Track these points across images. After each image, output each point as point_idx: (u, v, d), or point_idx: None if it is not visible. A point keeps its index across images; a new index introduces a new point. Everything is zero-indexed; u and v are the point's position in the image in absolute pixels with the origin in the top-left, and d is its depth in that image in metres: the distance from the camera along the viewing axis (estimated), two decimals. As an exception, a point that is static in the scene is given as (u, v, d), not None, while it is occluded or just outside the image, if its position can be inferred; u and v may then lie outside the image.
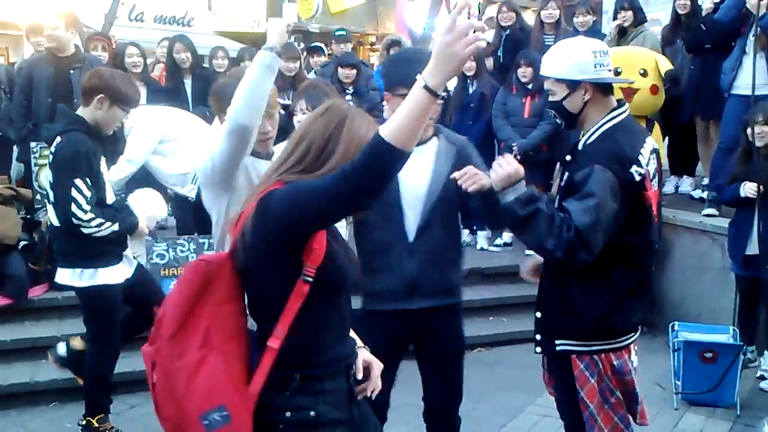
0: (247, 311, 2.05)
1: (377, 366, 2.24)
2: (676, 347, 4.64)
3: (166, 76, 6.75)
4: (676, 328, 4.82)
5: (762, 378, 4.89)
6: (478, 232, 7.10)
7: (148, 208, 4.04)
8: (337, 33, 8.07)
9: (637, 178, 2.56)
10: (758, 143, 4.66)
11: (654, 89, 6.01)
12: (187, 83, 6.54)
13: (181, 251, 5.03)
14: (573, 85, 2.66)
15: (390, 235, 2.90)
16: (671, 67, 6.13)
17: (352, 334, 2.25)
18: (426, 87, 1.77)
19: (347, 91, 6.97)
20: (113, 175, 5.12)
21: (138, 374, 3.88)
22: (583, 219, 2.47)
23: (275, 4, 16.67)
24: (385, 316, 2.92)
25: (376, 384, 2.22)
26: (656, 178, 2.70)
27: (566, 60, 2.68)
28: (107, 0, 11.31)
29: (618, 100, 2.76)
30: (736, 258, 4.99)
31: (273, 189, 1.96)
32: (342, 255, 2.04)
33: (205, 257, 2.05)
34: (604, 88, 2.70)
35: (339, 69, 7.00)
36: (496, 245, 6.94)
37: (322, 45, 8.75)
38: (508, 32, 7.27)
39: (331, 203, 1.85)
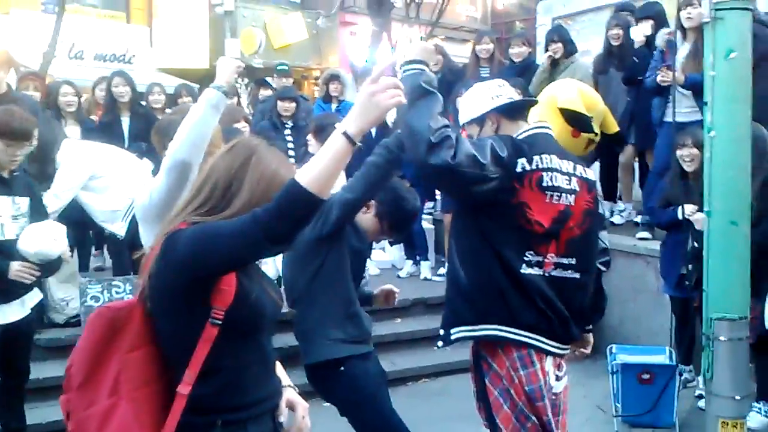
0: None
1: (302, 406, 2.19)
2: (614, 370, 4.70)
3: (102, 112, 6.67)
4: (614, 350, 4.89)
5: (700, 397, 4.97)
6: (422, 262, 7.14)
7: (38, 244, 3.76)
8: (279, 67, 8.18)
9: (519, 169, 2.60)
10: (688, 168, 4.77)
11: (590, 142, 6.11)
12: (125, 120, 6.46)
13: (117, 292, 4.91)
14: (480, 121, 2.85)
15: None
16: (616, 128, 6.25)
17: (280, 371, 2.21)
18: (345, 134, 1.78)
19: (286, 125, 7.00)
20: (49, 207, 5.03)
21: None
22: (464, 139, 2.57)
23: (218, 40, 16.67)
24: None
25: (300, 425, 2.17)
26: (562, 194, 2.68)
27: (467, 103, 2.91)
28: (45, 38, 11.20)
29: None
30: (670, 279, 5.07)
31: (177, 230, 1.89)
32: (257, 291, 1.98)
33: (110, 304, 2.00)
34: (509, 115, 2.83)
35: (278, 102, 7.03)
36: (440, 275, 6.97)
37: (269, 79, 8.78)
38: (439, 76, 7.36)
39: (239, 247, 1.80)
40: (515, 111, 2.86)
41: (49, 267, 3.88)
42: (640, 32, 6.35)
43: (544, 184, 2.64)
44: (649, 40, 6.29)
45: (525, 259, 2.63)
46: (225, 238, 1.81)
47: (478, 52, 7.11)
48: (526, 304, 2.64)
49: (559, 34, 6.93)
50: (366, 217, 3.29)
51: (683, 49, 5.72)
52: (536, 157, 2.64)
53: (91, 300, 4.88)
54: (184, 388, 1.87)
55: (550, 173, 2.65)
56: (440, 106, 2.55)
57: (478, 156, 2.51)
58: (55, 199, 5.07)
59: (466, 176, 2.50)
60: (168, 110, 6.18)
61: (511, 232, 2.63)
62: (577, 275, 2.72)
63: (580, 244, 2.73)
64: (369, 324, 3.26)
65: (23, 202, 3.84)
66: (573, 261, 2.71)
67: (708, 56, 3.21)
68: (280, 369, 2.22)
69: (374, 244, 5.40)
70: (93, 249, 7.06)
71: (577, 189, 2.73)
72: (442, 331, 2.79)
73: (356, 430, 3.15)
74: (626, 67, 6.51)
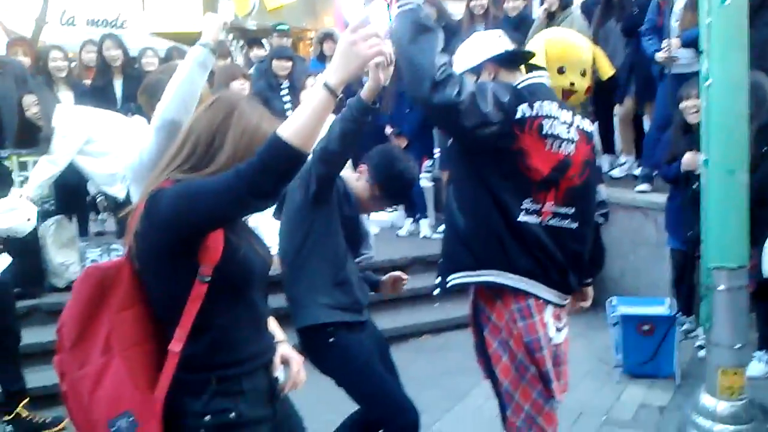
0: None
1: (297, 361, 2.20)
2: (614, 322, 4.72)
3: (94, 75, 6.60)
4: (614, 302, 4.91)
5: (701, 347, 4.99)
6: (421, 220, 7.14)
7: (10, 221, 3.86)
8: (278, 28, 8.06)
9: (519, 114, 2.56)
10: (692, 120, 4.64)
11: (588, 90, 6.01)
12: (117, 83, 6.42)
13: (116, 256, 4.91)
14: (477, 70, 2.80)
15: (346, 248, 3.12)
16: (610, 72, 6.17)
17: (274, 327, 2.21)
18: (326, 85, 1.75)
19: (282, 85, 6.93)
20: (35, 175, 5.03)
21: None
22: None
23: (211, 2, 16.45)
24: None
25: (296, 379, 2.17)
26: (561, 142, 2.65)
27: (464, 53, 2.86)
28: (36, 4, 11.07)
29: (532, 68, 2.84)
30: (677, 233, 5.02)
31: (161, 188, 1.87)
32: (245, 248, 1.97)
33: (99, 264, 1.98)
34: (506, 65, 2.80)
35: (274, 61, 6.95)
36: (439, 233, 6.95)
37: (265, 40, 8.69)
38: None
39: (223, 203, 1.78)
40: (513, 61, 2.83)
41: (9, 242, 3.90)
42: (641, -19, 6.26)
43: (544, 131, 2.61)
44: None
45: (523, 206, 2.60)
46: (208, 195, 1.79)
47: (472, 8, 7.01)
48: (522, 251, 2.62)
49: (556, -15, 6.81)
50: (358, 184, 3.19)
51: (680, 1, 5.65)
52: (537, 104, 2.61)
53: (91, 263, 4.87)
54: (175, 346, 1.87)
55: (550, 120, 2.62)
56: (441, 43, 2.49)
57: (479, 98, 2.48)
58: (51, 165, 5.06)
59: (468, 116, 2.46)
60: (159, 72, 6.12)
61: (509, 179, 2.60)
62: (574, 225, 2.70)
63: (579, 194, 2.71)
64: (363, 295, 3.17)
65: None
66: (571, 211, 2.69)
67: (704, 3, 3.16)
68: (273, 324, 2.22)
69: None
70: (92, 214, 7.06)
71: (576, 139, 2.70)
72: (438, 279, 2.78)
73: (354, 399, 3.11)
74: (626, 18, 6.43)
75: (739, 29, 3.13)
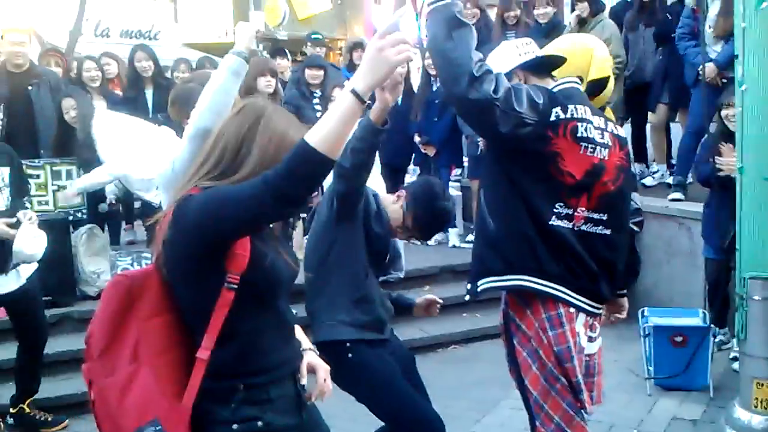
0: None
1: (323, 369, 2.18)
2: (646, 333, 4.64)
3: (126, 85, 6.70)
4: (646, 313, 4.83)
5: (735, 359, 4.90)
6: (449, 229, 7.10)
7: (33, 248, 3.88)
8: (313, 36, 8.07)
9: (553, 117, 2.52)
10: (734, 128, 4.56)
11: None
12: (148, 93, 6.50)
13: (147, 264, 4.95)
14: (507, 77, 2.68)
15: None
16: (600, 75, 6.09)
17: (300, 335, 2.20)
18: (354, 92, 1.73)
19: (315, 94, 6.95)
20: (87, 178, 5.08)
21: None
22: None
23: (242, 12, 16.61)
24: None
25: (322, 387, 2.16)
26: (596, 146, 2.61)
27: (494, 60, 2.79)
28: (72, 16, 11.25)
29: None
30: (712, 241, 4.89)
31: (189, 196, 1.87)
32: (272, 257, 1.95)
33: (127, 272, 1.99)
34: (537, 71, 2.76)
35: (306, 70, 6.97)
36: (468, 242, 6.93)
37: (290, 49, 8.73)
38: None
39: (249, 210, 1.77)
40: (543, 67, 2.80)
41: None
42: (674, -12, 6.21)
43: (579, 134, 2.56)
44: (681, -2, 6.16)
45: (554, 210, 2.56)
46: (235, 202, 1.78)
47: (505, 18, 7.02)
48: (553, 257, 2.58)
49: (586, -8, 6.78)
50: (393, 208, 3.15)
51: (714, 7, 5.58)
52: (571, 107, 2.57)
53: (122, 272, 4.92)
54: (203, 353, 1.87)
55: (584, 124, 2.58)
56: (476, 39, 2.46)
57: (514, 98, 2.45)
58: (108, 176, 5.06)
59: (504, 115, 2.43)
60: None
61: (541, 183, 2.56)
62: (607, 231, 2.65)
63: (612, 200, 2.66)
64: (385, 313, 3.12)
65: (5, 172, 3.91)
66: (604, 217, 2.63)
67: (738, 7, 3.11)
68: (299, 332, 2.21)
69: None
70: (124, 223, 7.13)
71: (610, 144, 2.66)
72: (469, 285, 2.74)
73: (377, 416, 3.07)
74: (658, 23, 6.37)
75: (774, 34, 3.08)
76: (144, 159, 5.20)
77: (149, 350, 1.88)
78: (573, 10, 6.82)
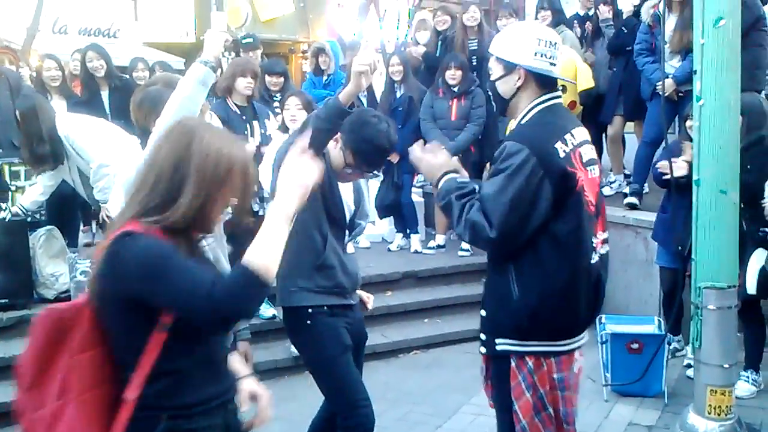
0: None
1: (264, 396, 2.15)
2: (603, 339, 4.72)
3: (81, 88, 6.55)
4: (603, 320, 4.91)
5: (689, 366, 5.00)
6: (412, 235, 7.14)
7: None
8: (244, 41, 7.52)
9: (561, 154, 2.45)
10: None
11: (572, 105, 6.13)
12: (104, 94, 6.36)
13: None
14: (509, 68, 2.59)
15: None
16: (589, 85, 6.25)
17: (237, 365, 2.16)
18: (280, 213, 1.83)
19: (274, 98, 6.93)
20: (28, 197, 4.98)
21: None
22: (488, 189, 2.43)
23: (204, 13, 16.46)
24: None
25: (263, 415, 2.13)
26: (592, 166, 2.58)
27: (509, 41, 2.61)
28: (29, 12, 11.04)
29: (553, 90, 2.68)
30: (666, 245, 4.97)
31: (128, 235, 1.80)
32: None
33: (57, 305, 1.93)
34: (541, 80, 2.58)
35: (266, 77, 6.94)
36: (430, 248, 6.98)
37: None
38: (444, 36, 7.36)
39: (185, 307, 1.76)
40: (547, 83, 2.62)
41: None
42: (628, 2, 6.33)
43: (584, 159, 2.53)
44: (637, 11, 6.27)
45: (593, 245, 2.56)
46: (174, 288, 1.75)
47: (465, 22, 7.08)
48: (587, 305, 2.59)
49: (549, 2, 6.93)
50: (334, 153, 3.08)
51: (670, 22, 5.71)
52: (567, 136, 2.51)
53: (81, 275, 4.85)
54: (131, 393, 1.82)
55: (584, 146, 2.56)
56: (458, 207, 2.49)
57: (506, 187, 2.41)
58: (106, 168, 4.83)
59: (535, 217, 2.44)
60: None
61: (581, 224, 2.51)
62: (608, 246, 2.69)
63: (604, 214, 2.69)
64: (348, 279, 3.15)
65: None
66: (607, 234, 2.67)
67: (697, 24, 3.20)
68: (237, 361, 2.17)
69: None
70: (81, 225, 7.02)
71: (595, 157, 2.65)
72: (483, 336, 2.68)
73: (317, 385, 3.15)
74: (614, 36, 6.49)
75: (732, 50, 3.17)
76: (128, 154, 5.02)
77: (78, 385, 1.82)
78: (536, 18, 6.90)
